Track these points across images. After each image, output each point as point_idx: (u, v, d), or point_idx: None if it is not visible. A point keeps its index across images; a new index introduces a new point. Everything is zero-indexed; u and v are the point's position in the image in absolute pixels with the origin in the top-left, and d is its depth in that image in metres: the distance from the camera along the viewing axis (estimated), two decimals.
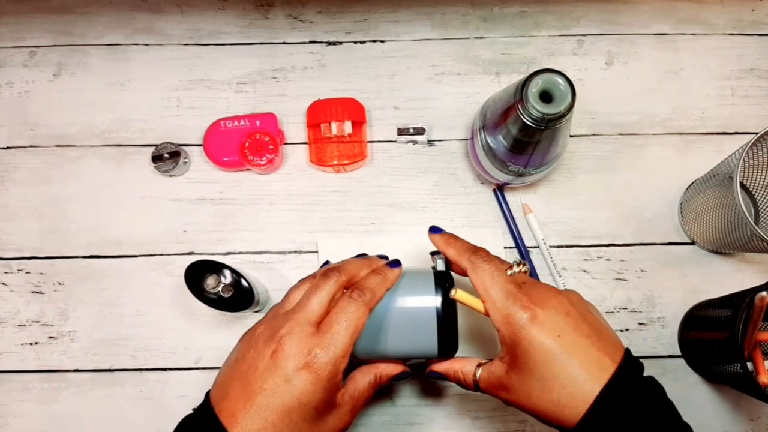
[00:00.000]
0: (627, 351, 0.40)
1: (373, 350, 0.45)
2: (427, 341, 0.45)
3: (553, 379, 0.38)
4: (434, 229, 0.47)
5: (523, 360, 0.39)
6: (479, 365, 0.43)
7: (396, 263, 0.46)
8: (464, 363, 0.44)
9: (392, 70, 0.62)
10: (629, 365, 0.38)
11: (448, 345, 0.45)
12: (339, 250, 0.57)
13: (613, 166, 0.60)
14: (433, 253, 0.50)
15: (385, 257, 0.47)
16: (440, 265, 0.47)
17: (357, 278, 0.43)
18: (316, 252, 0.58)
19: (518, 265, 0.43)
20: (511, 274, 0.42)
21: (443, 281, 0.45)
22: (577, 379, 0.37)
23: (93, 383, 0.57)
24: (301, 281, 0.44)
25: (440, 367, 0.45)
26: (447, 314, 0.44)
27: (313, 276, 0.44)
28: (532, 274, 0.58)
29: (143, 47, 0.63)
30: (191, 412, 0.41)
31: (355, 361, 0.46)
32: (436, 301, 0.44)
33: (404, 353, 0.46)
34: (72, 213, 0.60)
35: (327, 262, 0.49)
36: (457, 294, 0.43)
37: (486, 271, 0.42)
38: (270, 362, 0.38)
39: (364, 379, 0.44)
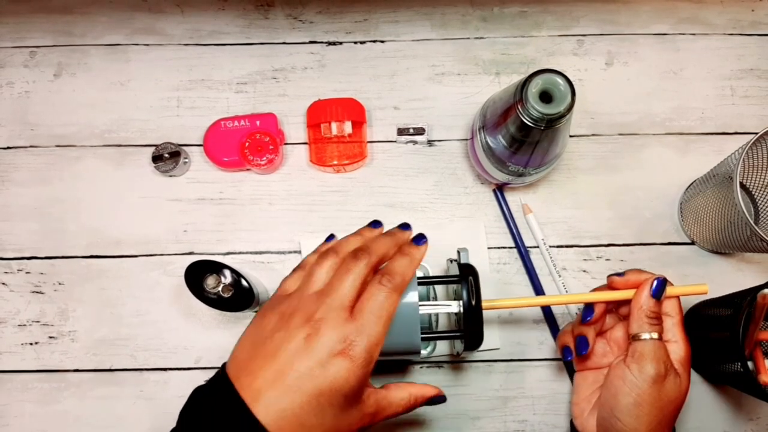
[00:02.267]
0: None
1: None
2: (411, 336, 0.45)
3: None
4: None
5: None
6: None
7: (421, 238, 0.44)
8: None
9: (392, 70, 0.62)
10: None
11: (473, 338, 0.46)
12: None
13: (613, 166, 0.61)
14: (452, 260, 0.52)
15: (406, 226, 0.46)
16: (463, 258, 0.49)
17: (386, 258, 0.43)
18: (299, 252, 0.58)
19: None
20: None
21: (467, 274, 0.46)
22: None
23: (93, 383, 0.57)
24: (323, 258, 0.42)
25: None
26: (472, 307, 0.45)
27: (334, 252, 0.43)
28: (532, 274, 0.58)
29: (143, 47, 0.63)
30: (203, 383, 0.41)
31: None
32: (415, 296, 0.45)
33: (388, 349, 0.46)
34: (72, 213, 0.60)
35: (332, 236, 0.48)
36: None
37: None
38: (304, 345, 0.38)
39: (398, 394, 0.43)
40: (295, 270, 0.45)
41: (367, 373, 0.39)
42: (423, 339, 0.46)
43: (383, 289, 0.40)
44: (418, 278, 0.47)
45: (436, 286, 0.55)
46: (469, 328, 0.46)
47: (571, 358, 0.49)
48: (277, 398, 0.37)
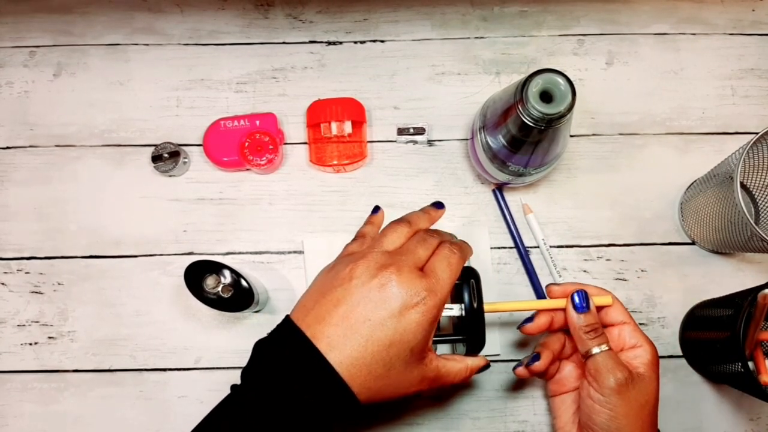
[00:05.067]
0: None
1: None
2: None
3: None
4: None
5: None
6: None
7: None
8: None
9: (392, 70, 0.62)
10: None
11: (475, 341, 0.46)
12: (325, 250, 0.57)
13: (614, 166, 0.60)
14: None
15: (439, 204, 0.50)
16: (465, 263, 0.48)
17: None
18: (301, 252, 0.58)
19: None
20: None
21: (469, 277, 0.46)
22: None
23: (93, 383, 0.57)
24: (395, 224, 0.45)
25: None
26: (474, 311, 0.45)
27: (407, 222, 0.45)
28: (532, 274, 0.58)
29: (143, 47, 0.63)
30: (266, 335, 0.41)
31: None
32: None
33: None
34: (72, 213, 0.59)
35: (378, 208, 0.51)
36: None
37: None
38: (378, 295, 0.39)
39: (456, 364, 0.44)
40: (355, 239, 0.47)
41: (432, 329, 0.41)
42: None
43: (453, 253, 0.43)
44: None
45: None
46: (471, 332, 0.46)
47: (519, 367, 0.49)
48: (350, 346, 0.38)
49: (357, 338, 0.38)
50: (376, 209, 0.51)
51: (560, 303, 0.48)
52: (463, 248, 0.45)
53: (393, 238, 0.44)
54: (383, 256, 0.42)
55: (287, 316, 0.42)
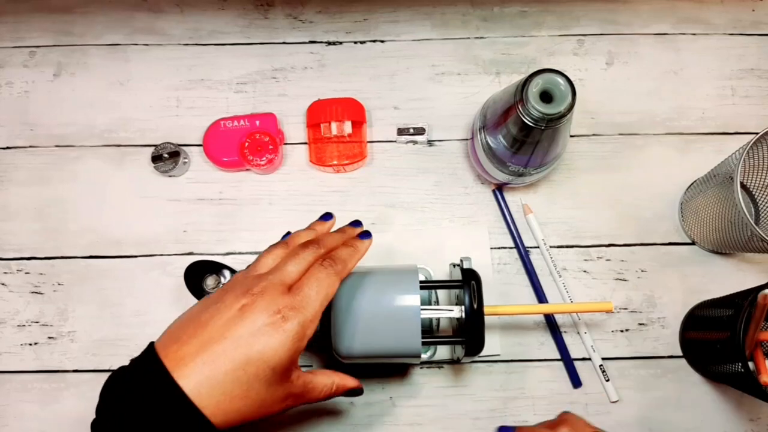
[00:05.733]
0: None
1: (358, 349, 0.45)
2: (411, 340, 0.45)
3: None
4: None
5: None
6: None
7: (366, 234, 0.46)
8: None
9: (392, 70, 0.62)
10: None
11: (474, 343, 0.45)
12: None
13: (613, 166, 0.60)
14: (454, 264, 0.52)
15: (357, 223, 0.48)
16: (466, 265, 0.48)
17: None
18: None
19: None
20: None
21: (469, 279, 0.46)
22: None
23: (93, 383, 0.57)
24: (273, 247, 0.44)
25: None
26: (473, 313, 0.45)
27: (285, 244, 0.44)
28: (532, 274, 0.58)
29: (143, 47, 0.63)
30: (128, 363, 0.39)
31: (341, 361, 0.47)
32: (417, 299, 0.45)
33: (389, 352, 0.46)
34: (72, 213, 0.59)
35: (288, 233, 0.48)
36: None
37: None
38: (238, 314, 0.38)
39: (323, 379, 0.43)
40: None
41: (298, 348, 0.39)
42: (424, 343, 0.46)
43: (324, 270, 0.41)
44: (420, 282, 0.47)
45: (438, 290, 0.55)
46: (470, 334, 0.45)
47: None
48: (202, 364, 0.36)
49: (210, 356, 0.36)
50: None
51: (561, 308, 0.48)
52: (340, 261, 0.42)
53: (267, 261, 0.42)
54: (251, 279, 0.40)
55: (152, 342, 0.40)
